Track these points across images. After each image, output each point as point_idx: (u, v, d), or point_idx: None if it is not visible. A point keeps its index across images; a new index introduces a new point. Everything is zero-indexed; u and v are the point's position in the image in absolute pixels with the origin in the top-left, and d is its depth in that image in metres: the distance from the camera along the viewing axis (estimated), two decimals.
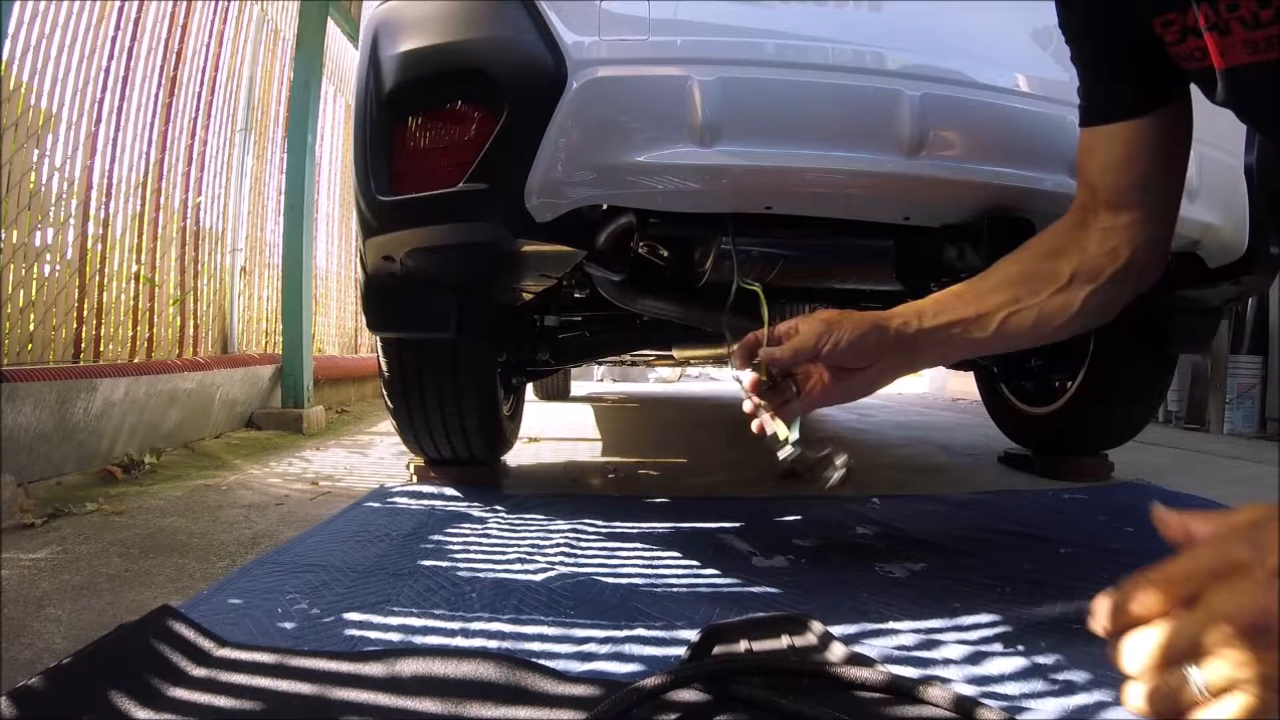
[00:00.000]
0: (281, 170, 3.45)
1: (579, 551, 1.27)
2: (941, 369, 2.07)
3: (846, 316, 0.85)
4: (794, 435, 0.86)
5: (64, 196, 2.12)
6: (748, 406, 0.89)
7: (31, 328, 1.96)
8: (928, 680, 0.74)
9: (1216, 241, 1.24)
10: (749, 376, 0.88)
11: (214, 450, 2.45)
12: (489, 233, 1.11)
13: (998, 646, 0.89)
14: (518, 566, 1.18)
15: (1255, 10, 0.63)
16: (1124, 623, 0.40)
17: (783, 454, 0.86)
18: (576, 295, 1.58)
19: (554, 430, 3.12)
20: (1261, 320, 3.64)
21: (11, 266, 1.88)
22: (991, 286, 0.86)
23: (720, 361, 2.77)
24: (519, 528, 1.42)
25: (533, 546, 1.29)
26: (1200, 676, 0.35)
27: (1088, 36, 0.83)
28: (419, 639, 0.90)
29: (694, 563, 1.23)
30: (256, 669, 0.78)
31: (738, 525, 1.45)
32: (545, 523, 1.45)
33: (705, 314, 1.40)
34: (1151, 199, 0.81)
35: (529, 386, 2.80)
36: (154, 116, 2.54)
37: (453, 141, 1.10)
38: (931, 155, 1.08)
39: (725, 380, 7.79)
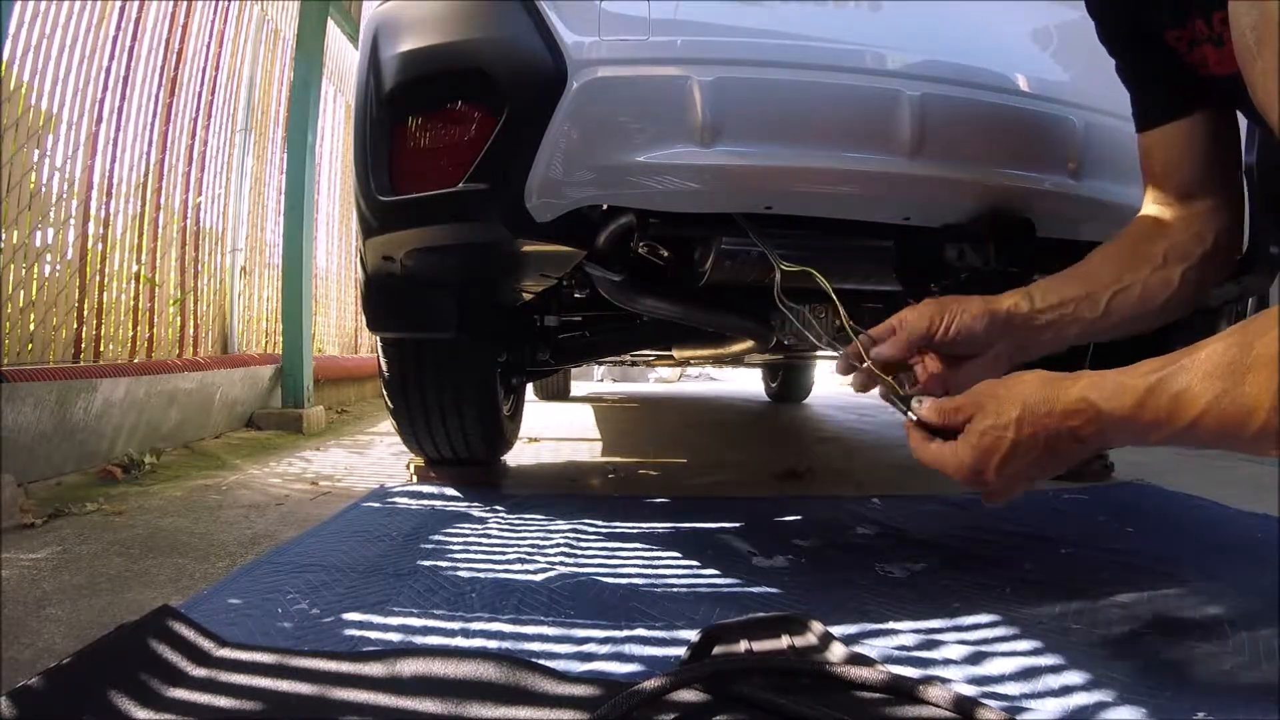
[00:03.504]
0: (281, 170, 3.45)
1: (579, 551, 1.27)
2: None
3: (956, 301, 0.84)
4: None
5: (64, 196, 2.12)
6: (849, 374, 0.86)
7: (31, 328, 1.96)
8: (928, 680, 0.74)
9: None
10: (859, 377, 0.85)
11: (214, 450, 2.45)
12: (489, 233, 1.11)
13: (998, 646, 0.89)
14: (518, 566, 1.18)
15: None
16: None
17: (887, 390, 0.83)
18: (576, 295, 1.58)
19: (554, 430, 3.12)
20: None
21: (11, 266, 1.88)
22: (1093, 268, 0.86)
23: (720, 361, 2.76)
24: (519, 528, 1.42)
25: (533, 546, 1.29)
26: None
27: (1124, 51, 0.87)
28: (419, 639, 0.90)
29: (694, 563, 1.23)
30: (256, 669, 0.78)
31: (738, 525, 1.45)
32: (545, 523, 1.45)
33: (706, 314, 1.40)
34: (1217, 189, 0.85)
35: (529, 386, 2.80)
36: (154, 117, 2.54)
37: (453, 141, 1.10)
38: (931, 155, 1.08)
39: (725, 380, 7.79)
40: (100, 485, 1.83)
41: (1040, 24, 1.18)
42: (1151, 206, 0.88)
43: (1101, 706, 0.74)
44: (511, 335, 1.80)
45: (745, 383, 6.67)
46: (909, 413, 0.77)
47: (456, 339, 1.44)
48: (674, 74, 1.04)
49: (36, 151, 1.98)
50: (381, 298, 1.42)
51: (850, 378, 0.87)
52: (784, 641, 0.85)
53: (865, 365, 0.83)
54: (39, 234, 2.01)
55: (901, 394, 0.82)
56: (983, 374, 0.85)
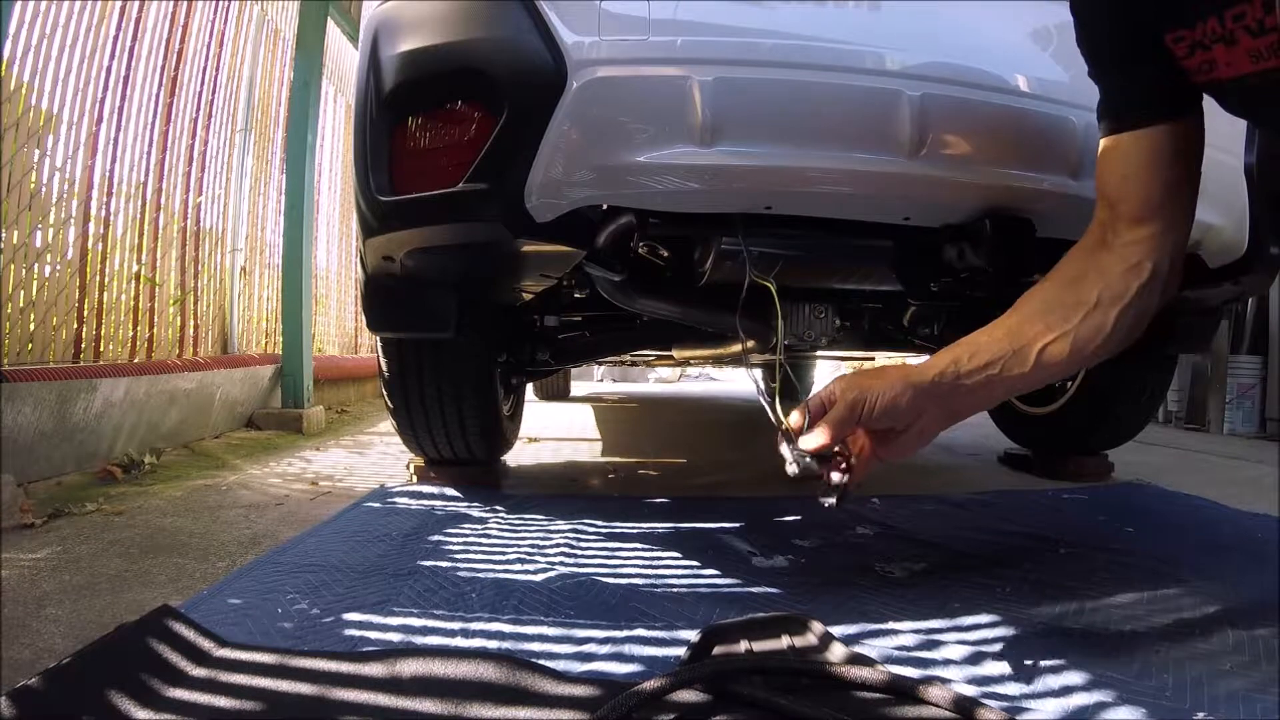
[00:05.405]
0: (281, 170, 3.45)
1: (579, 552, 1.27)
2: None
3: (878, 379, 0.83)
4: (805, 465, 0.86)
5: (64, 197, 2.12)
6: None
7: (31, 328, 1.96)
8: (928, 680, 0.74)
9: (1216, 241, 1.24)
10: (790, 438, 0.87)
11: (214, 450, 2.45)
12: (489, 233, 1.11)
13: (998, 646, 0.89)
14: (518, 567, 1.18)
15: (1260, 18, 0.64)
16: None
17: (791, 470, 0.86)
18: (576, 295, 1.58)
19: (554, 430, 3.12)
20: (1261, 320, 3.64)
21: (12, 266, 1.88)
22: (1021, 320, 0.85)
23: (720, 361, 2.75)
24: (519, 528, 1.42)
25: (533, 546, 1.29)
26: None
27: (1107, 53, 0.84)
28: (419, 639, 0.90)
29: (694, 563, 1.23)
30: (256, 669, 0.78)
31: (738, 525, 1.45)
32: (545, 523, 1.45)
33: (705, 314, 1.40)
34: (1171, 209, 0.82)
35: (529, 386, 2.80)
36: (155, 117, 2.54)
37: (452, 141, 1.10)
38: (931, 155, 1.08)
39: (725, 380, 7.79)
40: (100, 485, 1.83)
41: (1040, 24, 1.18)
42: (1097, 231, 0.85)
43: (1101, 706, 0.74)
44: (511, 335, 1.80)
45: (745, 383, 6.66)
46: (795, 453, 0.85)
47: (456, 339, 1.45)
48: (674, 74, 1.04)
49: (36, 151, 1.98)
50: (381, 298, 1.42)
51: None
52: (784, 641, 0.85)
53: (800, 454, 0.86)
54: (39, 234, 2.01)
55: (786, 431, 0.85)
56: (912, 445, 0.87)
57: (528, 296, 1.54)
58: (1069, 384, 2.06)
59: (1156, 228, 0.82)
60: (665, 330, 1.81)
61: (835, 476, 0.85)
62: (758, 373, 0.92)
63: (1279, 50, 0.65)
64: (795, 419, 0.87)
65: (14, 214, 1.88)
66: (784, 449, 0.86)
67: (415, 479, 1.87)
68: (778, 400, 0.91)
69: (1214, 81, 0.74)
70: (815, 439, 0.84)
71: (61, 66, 2.06)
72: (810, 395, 0.89)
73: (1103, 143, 0.85)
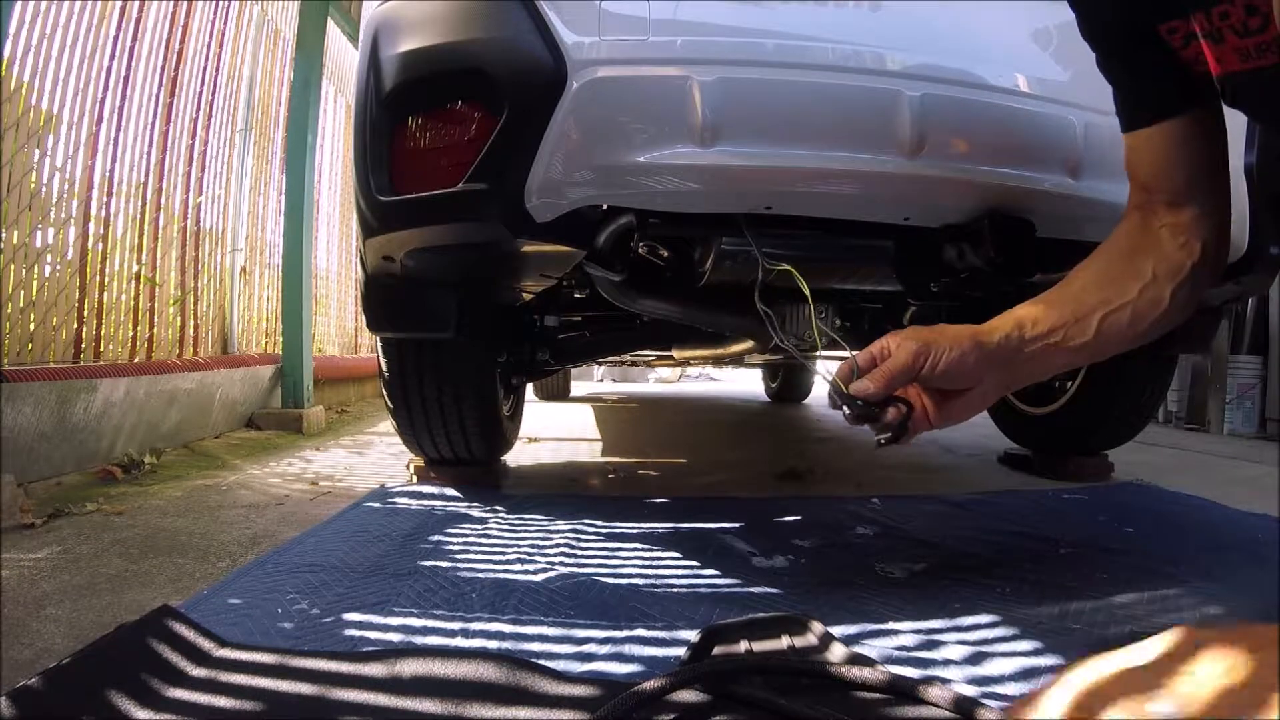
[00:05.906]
0: (281, 170, 3.45)
1: (579, 552, 1.27)
2: None
3: (942, 334, 0.81)
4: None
5: (64, 197, 2.12)
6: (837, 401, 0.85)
7: (31, 328, 1.96)
8: (928, 680, 0.74)
9: None
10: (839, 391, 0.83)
11: (214, 450, 2.45)
12: (489, 233, 1.11)
13: (998, 646, 0.89)
14: (518, 567, 1.18)
15: (1244, 19, 0.64)
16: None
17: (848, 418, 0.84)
18: (576, 295, 1.58)
19: (554, 430, 3.12)
20: (1261, 320, 3.64)
21: (12, 266, 1.88)
22: (1080, 289, 0.84)
23: (720, 361, 2.75)
24: (519, 528, 1.42)
25: (533, 547, 1.29)
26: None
27: (1110, 48, 0.84)
28: (419, 639, 0.90)
29: (694, 563, 1.22)
30: (256, 669, 0.78)
31: (738, 525, 1.45)
32: (545, 523, 1.45)
33: (706, 314, 1.40)
34: (1205, 192, 0.82)
35: (529, 386, 2.81)
36: (155, 117, 2.54)
37: (452, 142, 1.10)
38: (931, 155, 1.08)
39: (725, 380, 7.79)
40: (100, 485, 1.83)
41: (1040, 24, 1.18)
42: (1137, 215, 0.85)
43: None
44: (511, 335, 1.80)
45: (745, 383, 6.67)
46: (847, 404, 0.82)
47: (456, 339, 1.45)
48: (674, 74, 1.04)
49: (36, 151, 1.98)
50: (381, 298, 1.42)
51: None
52: (784, 641, 0.85)
53: (840, 390, 0.83)
54: (39, 234, 2.01)
55: (846, 393, 0.82)
56: (971, 408, 0.84)
57: (528, 296, 1.54)
58: (1069, 384, 2.06)
59: (1196, 211, 0.82)
60: (665, 330, 1.82)
61: (891, 413, 0.82)
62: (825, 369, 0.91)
63: (1267, 50, 0.65)
64: (843, 370, 0.83)
65: (14, 214, 1.88)
66: (831, 395, 0.82)
67: (415, 479, 1.87)
68: (818, 361, 0.90)
69: (1209, 74, 0.74)
70: (865, 385, 0.81)
71: (61, 66, 2.06)
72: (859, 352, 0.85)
73: (1124, 139, 0.85)
